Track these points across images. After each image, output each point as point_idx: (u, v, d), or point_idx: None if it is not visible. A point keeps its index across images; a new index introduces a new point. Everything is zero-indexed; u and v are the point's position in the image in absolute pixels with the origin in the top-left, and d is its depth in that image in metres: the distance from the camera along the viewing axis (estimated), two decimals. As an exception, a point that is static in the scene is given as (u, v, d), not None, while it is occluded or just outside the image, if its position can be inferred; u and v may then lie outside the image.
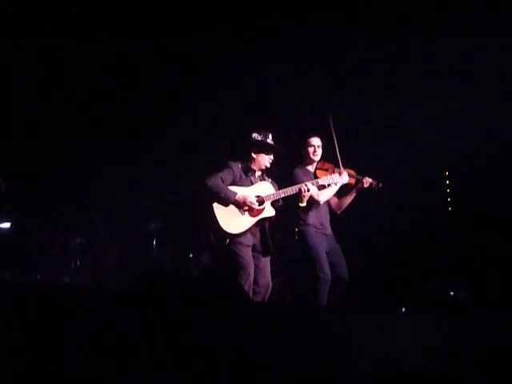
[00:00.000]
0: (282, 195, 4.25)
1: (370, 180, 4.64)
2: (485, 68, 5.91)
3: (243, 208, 4.13)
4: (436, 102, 6.37)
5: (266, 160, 4.29)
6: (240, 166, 4.27)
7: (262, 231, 4.22)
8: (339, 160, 4.61)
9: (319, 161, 4.63)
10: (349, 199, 4.67)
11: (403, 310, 5.57)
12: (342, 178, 4.52)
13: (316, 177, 4.50)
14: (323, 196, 4.47)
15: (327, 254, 4.40)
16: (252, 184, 4.25)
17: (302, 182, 4.35)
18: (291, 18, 5.56)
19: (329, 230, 4.55)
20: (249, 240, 4.14)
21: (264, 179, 4.34)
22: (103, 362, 1.77)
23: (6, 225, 6.52)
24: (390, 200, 6.39)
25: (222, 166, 4.23)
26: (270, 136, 4.31)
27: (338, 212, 4.72)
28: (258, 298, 4.07)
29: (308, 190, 4.27)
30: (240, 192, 4.14)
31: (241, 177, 4.24)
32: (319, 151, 4.59)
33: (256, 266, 4.11)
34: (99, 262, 6.67)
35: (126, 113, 6.44)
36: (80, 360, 1.74)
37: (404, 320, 3.15)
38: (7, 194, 5.13)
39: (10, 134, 5.83)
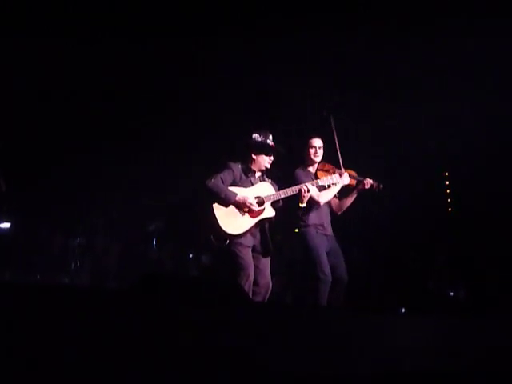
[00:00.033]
0: (282, 196, 4.25)
1: (371, 181, 4.64)
2: (485, 68, 5.91)
3: (243, 209, 4.13)
4: (436, 102, 6.37)
5: (266, 161, 4.29)
6: (240, 166, 4.27)
7: (262, 232, 4.22)
8: (340, 161, 4.61)
9: (320, 162, 4.63)
10: (349, 200, 4.67)
11: (403, 310, 5.58)
12: (343, 179, 4.52)
13: (317, 178, 4.49)
14: (324, 197, 4.47)
15: (328, 254, 4.40)
16: (252, 185, 4.25)
17: (303, 182, 4.35)
18: (291, 18, 5.56)
19: (330, 231, 4.55)
20: (249, 241, 4.13)
21: (264, 180, 4.34)
22: (103, 362, 1.77)
23: (6, 225, 6.52)
24: (389, 200, 6.39)
25: (222, 166, 4.23)
26: (271, 137, 4.31)
27: (339, 213, 4.72)
28: (258, 299, 4.07)
29: (308, 191, 4.27)
30: (240, 193, 4.14)
31: (241, 177, 4.24)
32: (320, 152, 4.58)
33: (256, 267, 4.11)
34: (99, 262, 6.66)
35: (125, 113, 6.44)
36: (80, 360, 1.74)
37: (404, 320, 3.15)
38: (7, 194, 5.13)
39: (10, 133, 5.83)
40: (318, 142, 4.59)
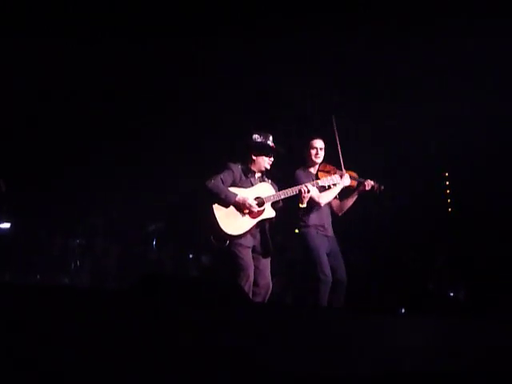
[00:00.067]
0: (282, 196, 4.24)
1: (372, 182, 4.63)
2: (485, 68, 5.91)
3: (243, 209, 4.12)
4: (436, 102, 6.37)
5: (266, 162, 4.28)
6: (240, 167, 4.27)
7: (262, 232, 4.22)
8: (341, 162, 4.60)
9: (321, 163, 4.62)
10: (350, 201, 4.67)
11: (403, 310, 5.58)
12: (344, 180, 4.52)
13: (317, 179, 4.49)
14: (324, 198, 4.47)
15: (328, 256, 4.40)
16: (252, 185, 4.25)
17: (303, 183, 4.34)
18: (291, 18, 5.56)
19: (330, 232, 4.55)
20: (249, 241, 4.13)
21: (264, 180, 4.33)
22: (103, 363, 1.77)
23: (6, 225, 6.52)
24: (389, 200, 6.39)
25: (222, 167, 4.23)
26: (271, 138, 4.30)
27: (340, 214, 4.71)
28: (258, 299, 4.07)
29: (308, 191, 4.26)
30: (240, 193, 4.14)
31: (241, 178, 4.24)
32: (321, 153, 4.58)
33: (256, 268, 4.11)
34: (99, 263, 6.66)
35: (126, 113, 6.44)
36: (80, 360, 1.74)
37: (404, 320, 3.15)
38: (7, 194, 5.13)
39: (10, 134, 5.83)
40: (319, 143, 4.59)
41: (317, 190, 4.42)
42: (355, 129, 6.53)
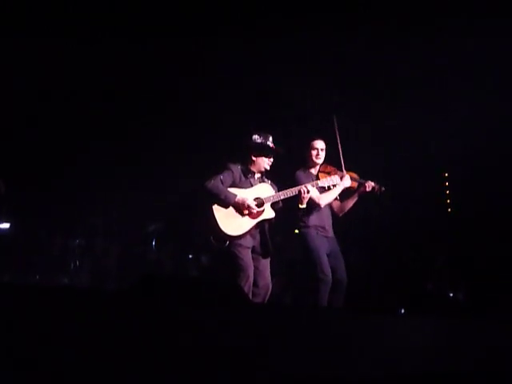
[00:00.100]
0: (282, 197, 4.25)
1: (373, 184, 4.63)
2: (485, 68, 5.91)
3: (243, 210, 4.12)
4: (436, 102, 6.37)
5: (265, 162, 4.29)
6: (240, 167, 4.27)
7: (262, 233, 4.22)
8: (342, 163, 4.60)
9: (322, 164, 4.62)
10: (351, 203, 4.67)
11: (402, 311, 5.58)
12: (344, 181, 4.52)
13: (318, 179, 4.49)
14: (324, 199, 4.47)
15: (328, 256, 4.40)
16: (252, 186, 4.25)
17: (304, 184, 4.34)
18: (291, 18, 5.56)
19: (331, 233, 4.55)
20: (248, 242, 4.13)
21: (264, 181, 4.34)
22: (103, 363, 1.77)
23: (6, 225, 6.52)
24: (389, 200, 6.39)
25: (222, 167, 4.23)
26: (271, 138, 4.30)
27: (340, 215, 4.72)
28: (258, 300, 4.07)
29: (308, 192, 4.26)
30: (240, 194, 4.14)
31: (240, 179, 4.24)
32: (322, 154, 4.58)
33: (256, 268, 4.11)
34: (99, 263, 6.65)
35: (126, 113, 6.43)
36: (79, 361, 1.74)
37: (404, 321, 3.15)
38: (7, 194, 5.12)
39: (10, 134, 5.83)
40: (320, 144, 4.58)
41: (317, 191, 4.42)
42: (355, 129, 6.52)
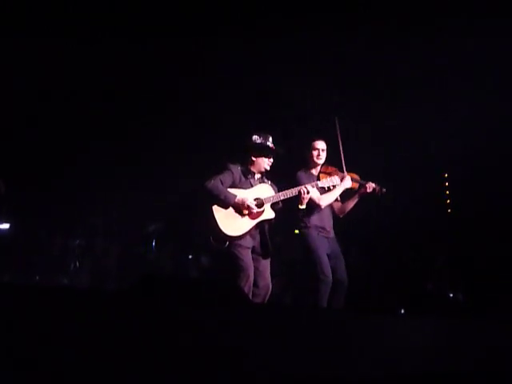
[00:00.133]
0: (282, 197, 4.24)
1: (374, 185, 4.62)
2: (485, 68, 5.91)
3: (243, 210, 4.12)
4: (436, 102, 6.36)
5: (265, 163, 4.28)
6: (239, 168, 4.27)
7: (262, 233, 4.22)
8: (343, 164, 4.59)
9: (323, 164, 4.61)
10: (351, 204, 4.66)
11: (402, 311, 5.58)
12: (345, 182, 4.51)
13: (319, 180, 4.48)
14: (325, 200, 4.46)
15: (328, 257, 4.39)
16: (251, 186, 4.25)
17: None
18: (291, 18, 5.56)
19: (331, 234, 4.55)
20: (248, 242, 4.13)
21: (263, 181, 4.33)
22: (103, 363, 1.77)
23: (6, 226, 6.51)
24: (389, 200, 6.39)
25: (222, 168, 4.23)
26: (270, 139, 4.30)
27: (341, 216, 4.71)
28: (258, 300, 4.07)
29: (307, 193, 4.25)
30: (239, 194, 4.13)
31: (240, 179, 4.24)
32: (323, 155, 4.57)
33: (256, 268, 4.11)
34: (99, 263, 6.65)
35: (126, 113, 6.43)
36: (79, 361, 1.74)
37: (403, 321, 3.15)
38: (6, 194, 5.12)
39: (10, 134, 5.82)
40: (321, 145, 4.58)
41: (317, 192, 4.41)
42: (355, 129, 6.52)
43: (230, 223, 4.07)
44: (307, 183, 4.35)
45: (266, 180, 4.35)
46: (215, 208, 4.07)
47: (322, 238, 4.45)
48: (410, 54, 5.92)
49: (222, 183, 4.13)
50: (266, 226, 4.25)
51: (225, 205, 4.09)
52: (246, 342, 2.09)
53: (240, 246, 4.08)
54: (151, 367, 1.84)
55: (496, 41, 5.63)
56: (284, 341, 2.21)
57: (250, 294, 4.01)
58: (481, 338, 2.99)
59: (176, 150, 6.52)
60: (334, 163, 4.65)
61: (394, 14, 5.57)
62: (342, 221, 4.78)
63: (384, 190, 4.66)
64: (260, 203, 4.17)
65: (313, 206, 4.41)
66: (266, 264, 4.20)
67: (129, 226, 6.90)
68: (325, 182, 4.39)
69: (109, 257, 6.72)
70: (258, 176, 4.32)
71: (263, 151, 4.28)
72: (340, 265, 4.43)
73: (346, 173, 4.58)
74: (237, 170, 4.25)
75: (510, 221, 6.19)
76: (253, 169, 4.30)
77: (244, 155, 4.32)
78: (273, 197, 4.23)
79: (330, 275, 4.28)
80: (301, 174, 4.53)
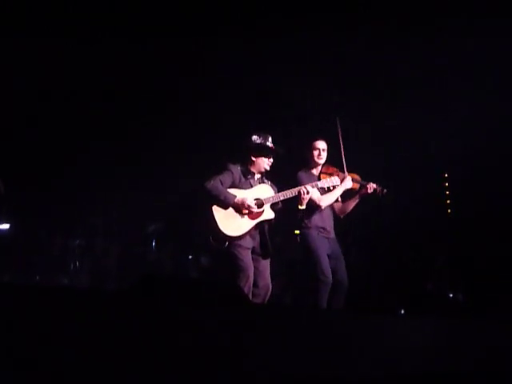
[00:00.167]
0: (282, 198, 4.24)
1: (374, 186, 4.61)
2: (485, 68, 5.91)
3: (242, 211, 4.12)
4: (436, 102, 6.36)
5: (265, 163, 4.28)
6: (239, 168, 4.27)
7: (262, 234, 4.22)
8: (344, 164, 4.58)
9: (324, 164, 4.61)
10: (352, 204, 4.65)
11: (402, 311, 5.58)
12: (346, 182, 4.50)
13: (320, 180, 4.47)
14: (325, 200, 4.46)
15: (329, 257, 4.39)
16: (251, 187, 4.25)
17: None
18: (291, 18, 5.56)
19: (332, 234, 4.54)
20: (248, 242, 4.13)
21: (263, 182, 4.33)
22: (102, 363, 1.77)
23: (6, 226, 6.51)
24: (390, 200, 6.38)
25: (222, 168, 4.22)
26: (270, 139, 4.30)
27: (342, 216, 4.70)
28: (258, 301, 4.07)
29: (307, 193, 4.25)
30: (239, 195, 4.13)
31: (240, 179, 4.23)
32: (324, 155, 4.57)
33: (256, 269, 4.11)
34: (99, 263, 6.65)
35: (126, 113, 6.43)
36: (79, 361, 1.74)
37: (403, 321, 3.15)
38: (7, 194, 5.12)
39: (10, 134, 5.82)
40: (321, 144, 4.57)
41: (318, 192, 4.41)
42: (355, 129, 6.52)
43: (230, 223, 4.07)
44: (308, 183, 4.34)
45: (265, 180, 4.35)
46: (215, 208, 4.07)
47: (323, 238, 4.45)
48: (410, 53, 5.93)
49: (221, 183, 4.12)
50: (266, 227, 4.24)
51: (224, 205, 4.08)
52: (246, 342, 2.09)
53: (240, 246, 4.08)
54: (151, 367, 1.84)
55: (496, 41, 5.63)
56: (284, 341, 2.21)
57: (250, 294, 4.01)
58: (481, 338, 2.99)
59: (176, 150, 6.52)
60: (334, 163, 4.65)
61: (394, 14, 5.58)
62: (343, 221, 4.78)
63: (385, 190, 4.65)
64: (260, 203, 4.17)
65: (313, 206, 4.41)
66: (265, 264, 4.20)
67: (129, 226, 6.89)
68: (325, 183, 4.38)
69: (109, 257, 6.72)
70: (257, 176, 4.32)
71: (263, 151, 4.28)
72: (340, 265, 4.42)
73: (346, 173, 4.57)
74: (237, 170, 4.24)
75: (510, 221, 6.19)
76: (253, 169, 4.30)
77: (244, 155, 4.32)
78: (273, 197, 4.23)
79: (330, 276, 4.28)
80: (301, 174, 4.53)
